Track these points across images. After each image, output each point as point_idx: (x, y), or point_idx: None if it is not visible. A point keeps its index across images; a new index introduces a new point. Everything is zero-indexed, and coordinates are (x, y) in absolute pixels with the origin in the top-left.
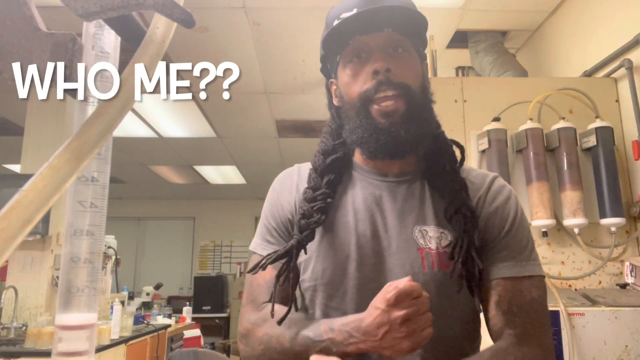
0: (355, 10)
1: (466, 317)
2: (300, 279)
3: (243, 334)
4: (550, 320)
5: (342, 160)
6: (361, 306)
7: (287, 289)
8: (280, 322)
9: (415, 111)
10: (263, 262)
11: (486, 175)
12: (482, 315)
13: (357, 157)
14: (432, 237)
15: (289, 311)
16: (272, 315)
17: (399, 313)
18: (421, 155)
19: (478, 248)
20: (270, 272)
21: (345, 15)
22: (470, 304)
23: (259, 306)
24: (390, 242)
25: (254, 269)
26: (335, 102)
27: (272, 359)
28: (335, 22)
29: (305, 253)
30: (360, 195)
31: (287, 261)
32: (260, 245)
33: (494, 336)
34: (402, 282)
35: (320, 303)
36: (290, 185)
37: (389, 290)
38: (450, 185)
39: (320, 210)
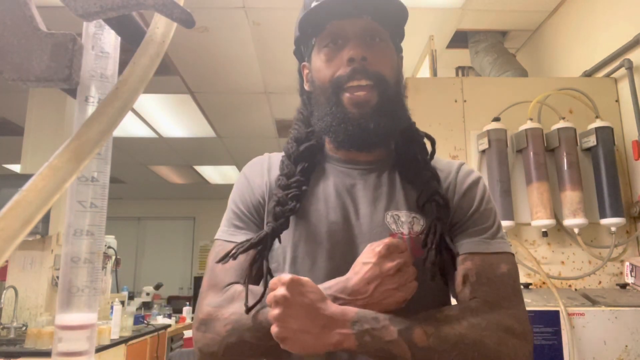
0: None
1: (439, 300)
2: (273, 270)
3: (203, 320)
4: (522, 295)
5: (315, 148)
6: None
7: (257, 279)
8: (248, 311)
9: (387, 104)
10: (234, 251)
11: (453, 163)
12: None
13: (327, 145)
14: (404, 222)
15: (260, 300)
16: (247, 306)
17: (391, 264)
18: (392, 147)
19: (450, 236)
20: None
21: None
22: (444, 292)
23: (222, 289)
24: (362, 229)
25: (224, 258)
26: (306, 87)
27: (242, 339)
28: (314, 4)
29: (280, 242)
30: (331, 184)
31: (261, 249)
32: (226, 232)
33: (459, 302)
34: (387, 238)
35: None
36: (261, 170)
37: (377, 245)
38: (421, 174)
39: (294, 197)
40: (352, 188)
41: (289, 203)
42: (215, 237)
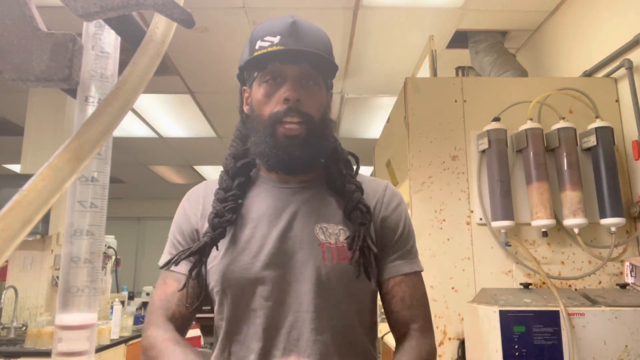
0: (278, 37)
1: (365, 306)
2: (210, 285)
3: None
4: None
5: (251, 165)
6: (269, 302)
7: (195, 291)
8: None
9: (312, 138)
10: (176, 258)
11: (379, 182)
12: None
13: (262, 169)
14: (331, 233)
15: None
16: (186, 307)
17: None
18: (321, 166)
19: (373, 239)
20: (172, 286)
21: (268, 38)
22: (368, 291)
23: (158, 321)
24: (294, 242)
25: (167, 264)
26: (245, 109)
27: None
28: (258, 45)
29: (217, 249)
30: (264, 201)
31: (199, 257)
32: (165, 260)
33: (399, 328)
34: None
35: (229, 304)
36: (196, 199)
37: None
38: (347, 186)
39: (231, 210)
40: (284, 203)
41: (225, 215)
42: (159, 264)
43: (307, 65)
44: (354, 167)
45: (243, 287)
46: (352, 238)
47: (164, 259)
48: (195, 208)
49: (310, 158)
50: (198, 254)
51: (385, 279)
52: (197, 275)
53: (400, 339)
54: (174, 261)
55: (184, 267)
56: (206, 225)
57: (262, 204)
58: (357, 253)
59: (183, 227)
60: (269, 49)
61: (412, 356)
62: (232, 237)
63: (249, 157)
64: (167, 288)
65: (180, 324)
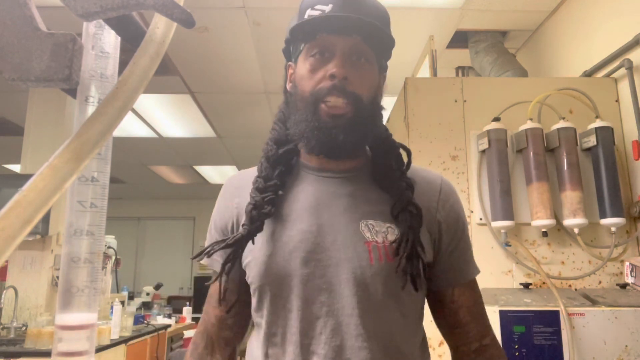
0: (330, 6)
1: (411, 313)
2: (249, 281)
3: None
4: None
5: (293, 152)
6: (307, 303)
7: (232, 288)
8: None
9: (359, 121)
10: (209, 249)
11: (434, 177)
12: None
13: (302, 153)
14: (378, 231)
15: (234, 304)
16: (221, 301)
17: None
18: (369, 156)
19: (423, 245)
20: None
21: (319, 7)
22: (416, 301)
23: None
24: (336, 237)
25: (199, 255)
26: (288, 87)
27: None
28: (307, 14)
29: (253, 243)
30: (306, 190)
31: (234, 250)
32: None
33: (469, 342)
34: None
35: (268, 303)
36: (232, 192)
37: None
38: (397, 184)
39: (270, 201)
40: (326, 195)
41: (264, 207)
42: (207, 264)
43: (360, 39)
44: (405, 162)
45: (280, 284)
46: (399, 242)
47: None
48: (229, 201)
49: (356, 143)
50: (234, 246)
51: (449, 286)
52: (231, 270)
53: (469, 354)
54: (205, 252)
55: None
56: (244, 217)
57: (303, 195)
58: (404, 261)
59: (218, 223)
60: (318, 15)
61: None
62: (271, 230)
63: (290, 144)
64: (207, 317)
65: (216, 331)
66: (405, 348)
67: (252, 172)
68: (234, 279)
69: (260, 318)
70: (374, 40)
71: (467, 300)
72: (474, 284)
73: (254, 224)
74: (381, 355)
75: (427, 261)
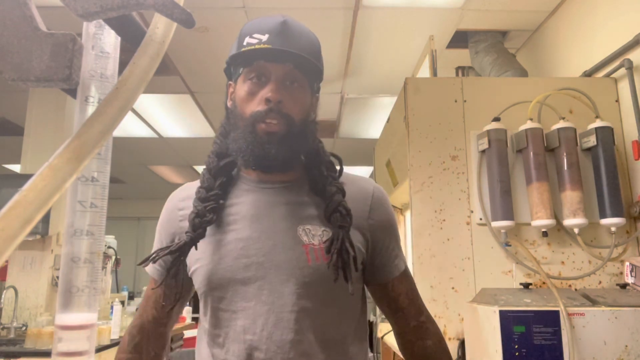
0: (266, 36)
1: (351, 307)
2: (195, 287)
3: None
4: None
5: (233, 164)
6: (250, 303)
7: (173, 292)
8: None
9: (291, 138)
10: (154, 255)
11: (366, 183)
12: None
13: (241, 168)
14: (314, 234)
15: (174, 303)
16: (163, 304)
17: None
18: (302, 166)
19: (352, 242)
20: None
21: (257, 36)
22: (352, 295)
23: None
24: (276, 243)
25: (144, 261)
26: (229, 104)
27: None
28: (246, 41)
29: (196, 249)
30: (246, 201)
31: (178, 256)
32: (151, 267)
33: (408, 322)
34: None
35: (211, 307)
36: (177, 201)
37: None
38: (328, 188)
39: (212, 210)
40: (266, 203)
41: (207, 215)
42: (149, 272)
43: (292, 66)
44: (337, 169)
45: (226, 288)
46: (330, 241)
47: (152, 266)
48: (174, 213)
49: (286, 156)
50: (177, 252)
51: (388, 279)
52: (175, 275)
53: (410, 331)
54: (151, 258)
55: (163, 272)
56: (187, 225)
57: (243, 204)
58: (335, 256)
59: (163, 235)
60: (256, 47)
61: (441, 339)
62: (214, 238)
63: (231, 157)
64: (145, 315)
65: (152, 327)
66: (345, 341)
67: (196, 184)
68: (174, 285)
69: (205, 322)
70: (305, 68)
71: (404, 287)
72: (407, 272)
73: (197, 231)
74: (319, 348)
75: (360, 258)
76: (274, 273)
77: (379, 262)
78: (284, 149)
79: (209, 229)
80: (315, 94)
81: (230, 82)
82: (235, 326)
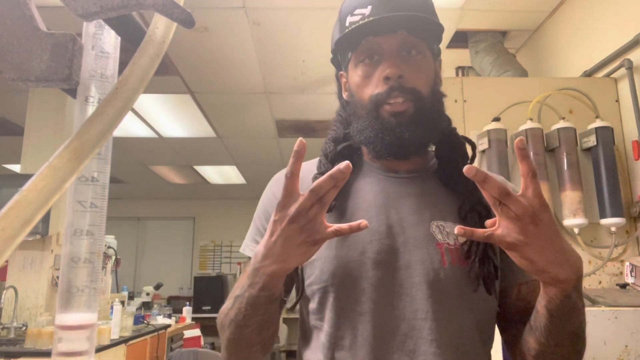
0: (369, 8)
1: (484, 317)
2: (308, 281)
3: (219, 328)
4: None
5: (352, 149)
6: (379, 306)
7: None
8: (292, 308)
9: (422, 115)
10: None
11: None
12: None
13: (366, 156)
14: (449, 232)
15: (297, 302)
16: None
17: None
18: (431, 153)
19: (494, 247)
20: None
21: (359, 11)
22: (488, 304)
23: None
24: (406, 239)
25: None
26: (344, 95)
27: (241, 335)
28: (348, 21)
29: None
30: (371, 190)
31: None
32: (249, 246)
33: (538, 330)
34: None
35: (333, 305)
36: None
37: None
38: (463, 182)
39: None
40: (393, 195)
41: None
42: (241, 250)
43: (405, 32)
44: (469, 156)
45: (350, 286)
46: (469, 246)
47: (245, 245)
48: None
49: (422, 139)
50: None
51: (515, 283)
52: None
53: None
54: None
55: None
56: None
57: (369, 193)
58: (477, 264)
59: (270, 211)
60: (360, 23)
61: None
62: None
63: (349, 141)
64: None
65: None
66: (476, 356)
67: (309, 166)
68: (294, 275)
69: (321, 321)
70: (420, 30)
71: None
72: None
73: None
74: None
75: (497, 265)
76: (405, 274)
77: (505, 264)
78: (419, 130)
79: (328, 218)
80: (438, 56)
81: (342, 72)
82: (364, 330)
